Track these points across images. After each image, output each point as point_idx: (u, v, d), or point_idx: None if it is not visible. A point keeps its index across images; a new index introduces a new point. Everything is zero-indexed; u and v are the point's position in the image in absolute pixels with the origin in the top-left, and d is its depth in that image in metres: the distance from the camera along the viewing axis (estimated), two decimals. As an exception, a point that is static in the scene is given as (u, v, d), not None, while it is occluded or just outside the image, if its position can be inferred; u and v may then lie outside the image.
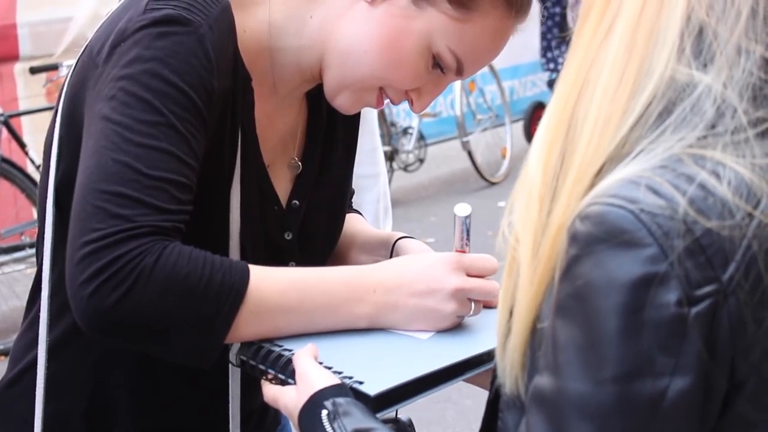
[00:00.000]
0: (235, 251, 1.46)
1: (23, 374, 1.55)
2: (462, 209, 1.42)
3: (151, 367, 1.50)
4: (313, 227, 1.61)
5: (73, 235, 1.31)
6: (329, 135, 1.64)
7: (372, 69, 1.45)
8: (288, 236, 1.58)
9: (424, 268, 1.40)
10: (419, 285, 1.38)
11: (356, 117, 1.68)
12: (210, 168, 1.42)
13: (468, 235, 1.43)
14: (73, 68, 1.47)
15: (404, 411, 1.50)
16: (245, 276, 1.32)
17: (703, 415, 0.98)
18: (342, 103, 1.52)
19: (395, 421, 1.49)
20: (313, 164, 1.62)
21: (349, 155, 1.70)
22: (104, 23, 1.44)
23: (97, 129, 1.35)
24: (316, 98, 1.60)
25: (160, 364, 1.43)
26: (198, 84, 1.36)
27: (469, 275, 1.40)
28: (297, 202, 1.59)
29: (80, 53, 1.46)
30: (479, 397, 1.21)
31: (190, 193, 1.35)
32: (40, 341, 1.49)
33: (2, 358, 5.04)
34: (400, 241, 1.63)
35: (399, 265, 1.42)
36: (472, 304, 1.41)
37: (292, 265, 1.55)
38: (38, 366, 1.49)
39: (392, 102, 1.51)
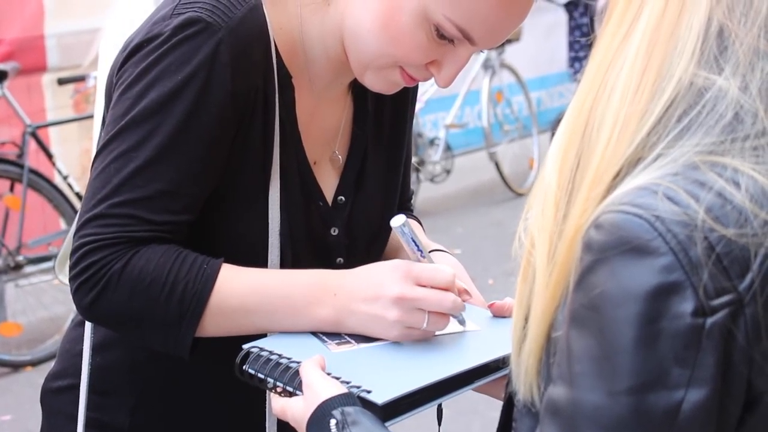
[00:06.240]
0: (274, 248, 1.49)
1: (68, 369, 1.61)
2: (395, 220, 1.40)
3: (190, 373, 1.53)
4: (359, 223, 1.61)
5: None
6: (375, 129, 1.64)
7: (377, 47, 1.44)
8: (334, 232, 1.58)
9: (374, 275, 1.40)
10: (368, 291, 1.39)
11: (403, 110, 1.67)
12: (243, 168, 1.46)
13: (416, 244, 1.41)
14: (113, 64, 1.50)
15: (428, 422, 1.48)
16: (209, 283, 1.40)
17: (720, 428, 0.96)
18: (371, 83, 1.51)
19: None
20: (357, 159, 1.61)
21: (397, 150, 1.67)
22: (149, 17, 1.47)
23: (104, 143, 1.43)
24: (361, 92, 1.61)
25: (197, 372, 1.50)
26: (205, 90, 1.39)
27: (422, 285, 1.37)
28: (343, 198, 1.60)
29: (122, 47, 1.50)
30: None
31: (185, 201, 1.42)
32: (85, 338, 1.57)
33: (29, 368, 5.05)
34: (430, 253, 1.60)
35: (358, 272, 1.42)
36: (426, 316, 1.37)
37: (340, 261, 1.59)
38: (83, 362, 1.56)
39: (416, 79, 1.49)
